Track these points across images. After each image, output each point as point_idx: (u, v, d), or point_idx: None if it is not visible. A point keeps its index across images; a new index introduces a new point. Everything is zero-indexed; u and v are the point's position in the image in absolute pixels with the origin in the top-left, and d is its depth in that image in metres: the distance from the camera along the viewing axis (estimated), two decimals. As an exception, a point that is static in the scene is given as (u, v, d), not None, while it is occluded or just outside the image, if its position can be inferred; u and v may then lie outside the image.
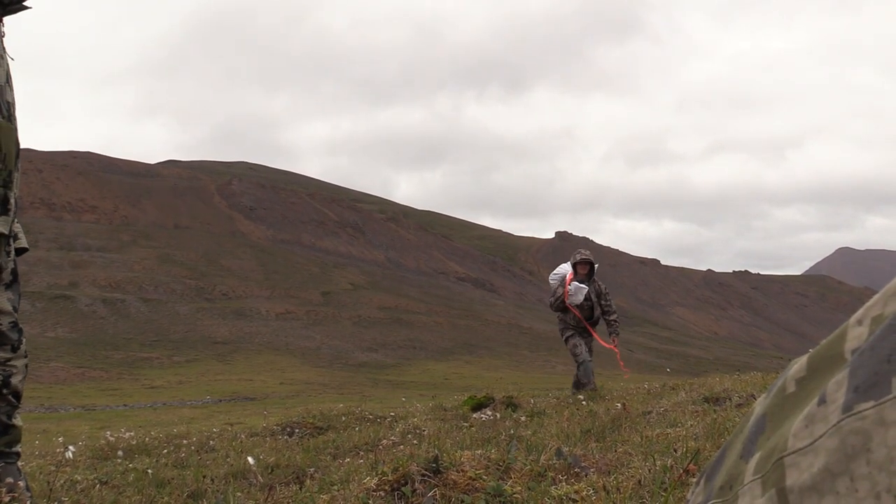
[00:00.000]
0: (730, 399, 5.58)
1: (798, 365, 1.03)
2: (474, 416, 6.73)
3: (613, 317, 9.29)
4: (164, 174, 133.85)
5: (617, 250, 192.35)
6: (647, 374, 46.25)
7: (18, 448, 3.15)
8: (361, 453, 4.89)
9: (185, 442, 6.76)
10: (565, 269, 9.27)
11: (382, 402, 17.99)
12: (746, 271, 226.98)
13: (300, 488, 3.65)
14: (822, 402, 0.93)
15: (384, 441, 5.18)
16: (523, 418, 5.97)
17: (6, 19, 2.94)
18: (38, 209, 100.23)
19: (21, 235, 3.15)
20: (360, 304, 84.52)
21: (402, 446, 4.72)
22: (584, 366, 8.87)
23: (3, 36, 2.92)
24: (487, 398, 7.39)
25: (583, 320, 9.07)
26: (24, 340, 3.12)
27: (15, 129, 2.88)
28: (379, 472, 2.97)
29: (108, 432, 8.73)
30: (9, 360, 3.05)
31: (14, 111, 2.90)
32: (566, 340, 9.18)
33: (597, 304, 9.19)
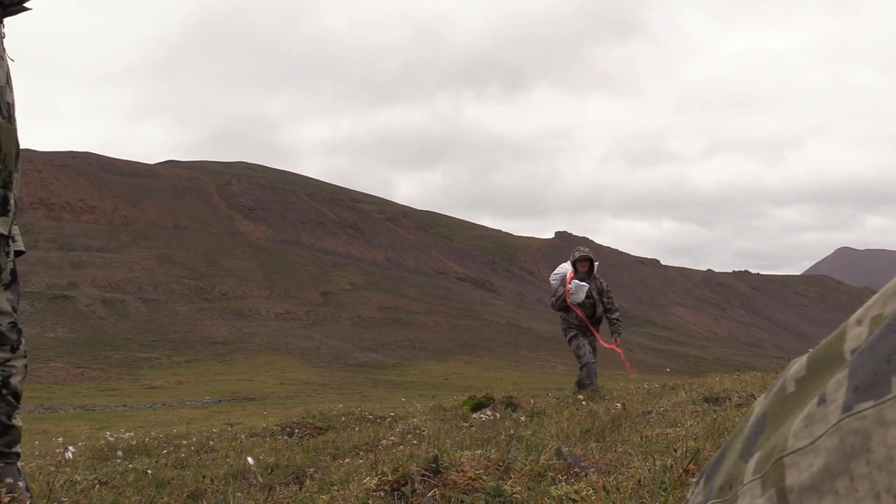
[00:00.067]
0: (729, 399, 5.58)
1: (798, 365, 1.03)
2: (474, 416, 6.73)
3: (616, 315, 9.23)
4: (164, 174, 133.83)
5: (616, 250, 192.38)
6: (647, 374, 46.24)
7: (18, 448, 3.15)
8: (361, 453, 4.88)
9: (184, 442, 6.76)
10: (565, 268, 9.26)
11: (382, 403, 17.99)
12: (746, 271, 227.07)
13: (300, 488, 3.65)
14: (822, 401, 0.93)
15: (384, 441, 5.19)
16: (523, 418, 5.97)
17: (6, 20, 2.94)
18: (38, 209, 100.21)
19: (18, 238, 3.15)
20: (359, 304, 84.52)
21: (401, 446, 4.72)
22: (588, 367, 8.85)
23: (3, 37, 2.92)
24: (487, 398, 7.39)
25: (584, 319, 9.04)
26: (23, 341, 3.12)
27: (15, 130, 2.88)
28: (379, 473, 2.98)
29: (108, 432, 8.73)
30: (8, 360, 3.04)
31: (14, 112, 2.90)
32: (569, 341, 9.14)
33: (599, 301, 9.15)
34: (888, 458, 0.87)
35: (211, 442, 6.66)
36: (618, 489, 2.67)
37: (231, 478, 4.24)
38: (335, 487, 3.20)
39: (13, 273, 3.08)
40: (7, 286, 3.06)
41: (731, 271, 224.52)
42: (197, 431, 8.40)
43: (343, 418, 7.56)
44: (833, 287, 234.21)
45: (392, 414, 7.99)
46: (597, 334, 9.16)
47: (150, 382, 45.37)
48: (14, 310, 3.08)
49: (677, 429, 4.13)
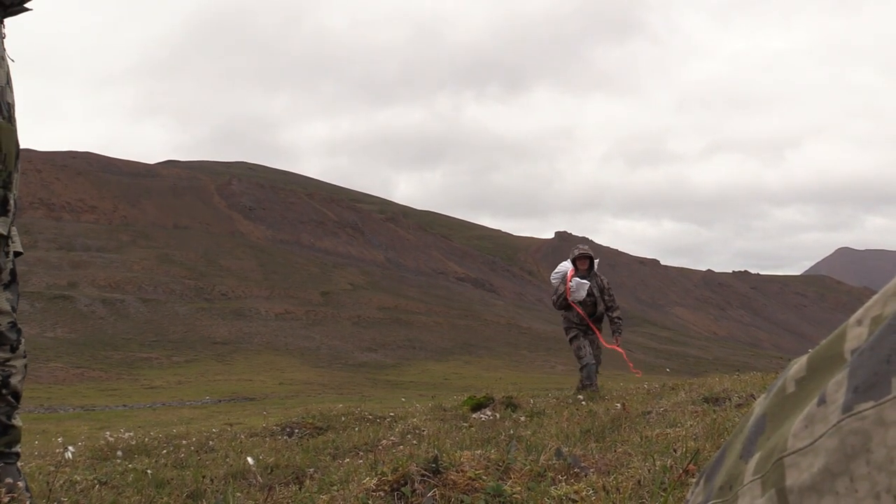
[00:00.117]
0: (729, 399, 5.58)
1: (798, 365, 1.03)
2: (474, 416, 6.73)
3: (617, 313, 9.19)
4: (164, 174, 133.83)
5: (616, 250, 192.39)
6: (647, 374, 46.23)
7: (18, 448, 3.15)
8: (361, 453, 4.88)
9: (184, 442, 6.76)
10: (566, 266, 9.25)
11: (382, 403, 17.99)
12: (746, 271, 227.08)
13: (300, 488, 3.65)
14: (822, 402, 0.93)
15: (384, 441, 5.18)
16: (523, 418, 5.97)
17: (7, 21, 2.94)
18: (38, 209, 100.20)
19: (16, 238, 3.15)
20: (359, 304, 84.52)
21: (401, 446, 4.72)
22: (588, 368, 8.84)
23: (3, 38, 2.92)
24: (487, 398, 7.40)
25: (586, 317, 9.02)
26: (22, 341, 3.12)
27: (15, 131, 2.88)
28: (378, 473, 2.98)
29: (108, 433, 8.73)
30: (8, 360, 3.04)
31: (14, 112, 2.90)
32: (570, 341, 9.13)
33: (599, 299, 9.12)
34: (888, 459, 0.87)
35: (211, 442, 6.66)
36: (618, 489, 2.67)
37: (231, 478, 4.24)
38: (335, 487, 3.20)
39: (12, 273, 3.08)
40: (6, 286, 3.06)
41: (730, 271, 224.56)
42: (197, 431, 8.40)
43: (343, 418, 7.56)
44: (833, 287, 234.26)
45: (392, 414, 8.00)
46: (598, 333, 9.14)
47: (150, 382, 45.37)
48: (14, 310, 3.08)
49: (677, 429, 4.13)
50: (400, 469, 2.90)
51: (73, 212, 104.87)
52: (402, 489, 2.80)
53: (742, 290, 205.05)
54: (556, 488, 2.70)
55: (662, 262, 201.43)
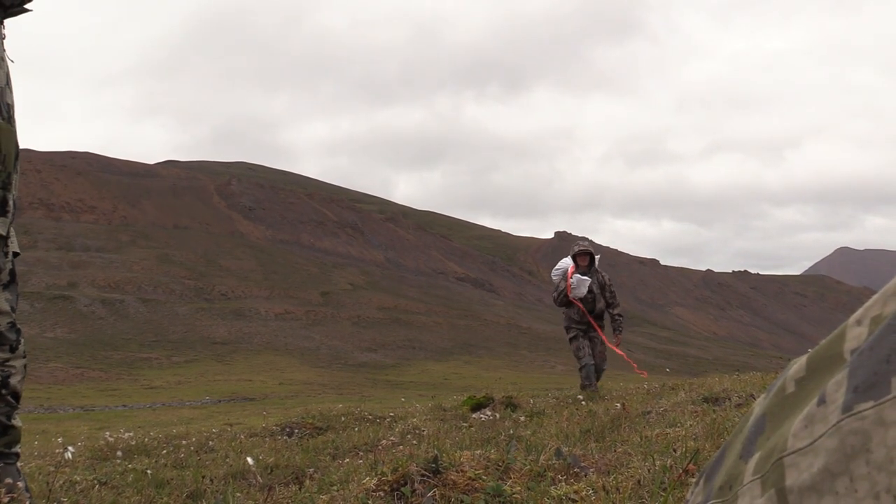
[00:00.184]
0: (729, 399, 5.58)
1: (797, 365, 1.03)
2: (473, 416, 6.73)
3: (617, 311, 9.13)
4: (164, 174, 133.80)
5: (616, 250, 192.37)
6: (647, 373, 46.17)
7: (18, 448, 3.15)
8: (361, 454, 4.88)
9: (184, 442, 6.76)
10: (567, 262, 9.22)
11: (382, 403, 17.99)
12: (745, 271, 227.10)
13: (299, 489, 3.65)
14: (822, 402, 0.93)
15: (383, 441, 5.18)
16: (522, 418, 5.97)
17: (7, 21, 2.94)
18: (37, 209, 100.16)
19: (13, 239, 3.15)
20: (359, 304, 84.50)
21: (401, 446, 4.71)
22: (586, 369, 8.83)
23: (3, 38, 2.92)
24: (487, 398, 7.39)
25: (586, 314, 9.00)
26: (22, 341, 3.12)
27: (14, 132, 2.87)
28: (378, 473, 2.98)
29: (108, 433, 8.73)
30: (7, 360, 3.04)
31: (13, 113, 2.90)
32: (570, 341, 9.11)
33: (599, 295, 9.07)
34: (888, 459, 0.87)
35: (210, 442, 6.65)
36: (617, 489, 2.67)
37: (231, 478, 4.24)
38: (335, 487, 3.20)
39: (12, 273, 3.08)
40: (6, 286, 3.06)
41: (730, 271, 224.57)
42: (196, 431, 8.40)
43: (343, 418, 7.56)
44: (832, 287, 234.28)
45: (392, 414, 7.99)
46: (601, 333, 9.08)
47: (150, 382, 45.35)
48: (13, 310, 3.08)
49: (677, 429, 4.13)
50: (400, 469, 2.90)
51: (73, 212, 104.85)
52: (402, 489, 2.80)
53: (742, 290, 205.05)
54: (555, 488, 2.70)
55: (662, 262, 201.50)
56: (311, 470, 4.32)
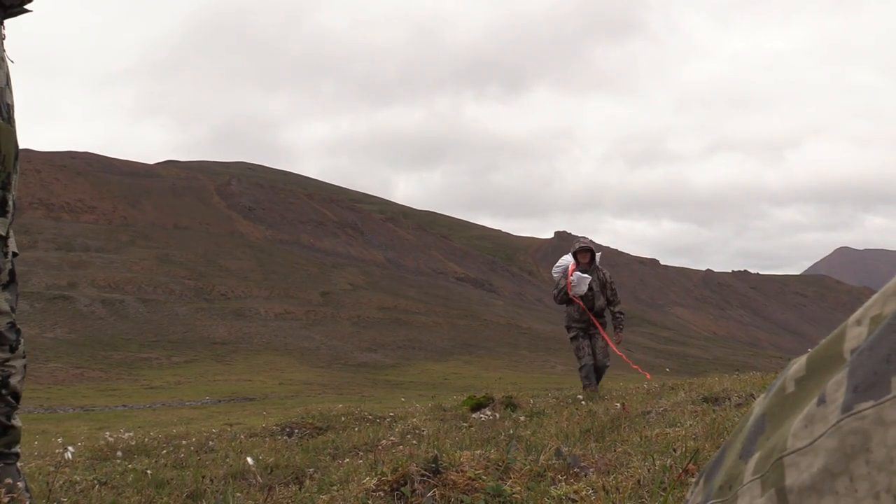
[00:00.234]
0: (729, 399, 5.58)
1: (797, 365, 1.03)
2: (473, 416, 6.73)
3: (618, 308, 9.08)
4: (163, 174, 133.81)
5: (616, 250, 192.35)
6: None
7: (18, 449, 3.15)
8: (361, 454, 4.88)
9: (184, 442, 6.76)
10: (567, 260, 9.18)
11: (382, 403, 17.99)
12: (745, 271, 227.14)
13: (299, 489, 3.65)
14: (822, 401, 0.93)
15: (383, 441, 5.18)
16: (522, 418, 5.97)
17: (7, 22, 2.94)
18: (37, 210, 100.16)
19: (12, 239, 3.15)
20: (359, 304, 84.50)
21: (401, 446, 4.71)
22: (586, 369, 8.82)
23: (3, 38, 2.92)
24: (487, 398, 7.39)
25: (587, 311, 8.97)
26: (22, 341, 3.11)
27: (14, 132, 2.87)
28: (378, 473, 2.98)
29: (108, 433, 8.72)
30: (7, 360, 3.04)
31: (13, 113, 2.90)
32: (571, 340, 9.09)
33: (599, 293, 9.01)
34: (888, 459, 0.87)
35: (210, 442, 6.65)
36: (617, 489, 2.67)
37: (230, 478, 4.24)
38: (335, 487, 3.20)
39: (11, 273, 3.08)
40: (5, 286, 3.06)
41: (730, 271, 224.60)
42: (196, 432, 8.40)
43: (343, 418, 7.56)
44: (832, 287, 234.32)
45: (392, 414, 7.99)
46: (603, 332, 9.03)
47: (150, 383, 45.36)
48: (13, 310, 3.08)
49: (677, 429, 4.13)
50: (400, 469, 2.90)
51: (73, 212, 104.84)
52: (402, 489, 2.80)
53: (742, 289, 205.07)
54: (555, 488, 2.70)
55: (662, 262, 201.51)
56: (311, 470, 4.32)
